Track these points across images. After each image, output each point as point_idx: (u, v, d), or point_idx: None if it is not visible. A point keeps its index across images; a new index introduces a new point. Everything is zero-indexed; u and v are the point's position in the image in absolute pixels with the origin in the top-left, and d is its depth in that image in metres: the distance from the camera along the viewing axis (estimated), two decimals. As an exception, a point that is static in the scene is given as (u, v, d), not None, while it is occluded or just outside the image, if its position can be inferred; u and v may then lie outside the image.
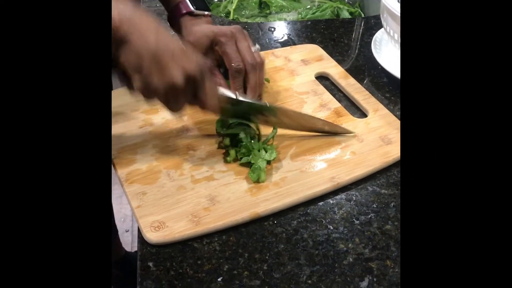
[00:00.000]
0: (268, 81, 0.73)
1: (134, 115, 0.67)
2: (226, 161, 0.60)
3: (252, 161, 0.58)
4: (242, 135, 0.60)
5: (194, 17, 0.68)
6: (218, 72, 0.66)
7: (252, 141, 0.61)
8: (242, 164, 0.60)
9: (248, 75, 0.63)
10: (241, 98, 0.59)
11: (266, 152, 0.59)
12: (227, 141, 0.61)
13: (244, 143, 0.59)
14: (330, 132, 0.66)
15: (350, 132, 0.66)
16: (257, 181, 0.57)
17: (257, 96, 0.65)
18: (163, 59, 0.50)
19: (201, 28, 0.66)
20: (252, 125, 0.62)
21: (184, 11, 0.68)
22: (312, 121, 0.65)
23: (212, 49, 0.65)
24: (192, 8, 0.68)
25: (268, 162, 0.59)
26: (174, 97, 0.53)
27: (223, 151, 0.62)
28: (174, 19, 0.69)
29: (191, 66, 0.52)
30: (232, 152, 0.60)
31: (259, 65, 0.64)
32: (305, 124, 0.65)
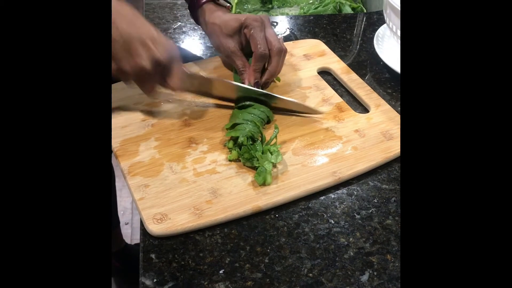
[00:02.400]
0: (278, 80, 0.73)
1: (137, 108, 0.67)
2: (228, 159, 0.60)
3: (258, 164, 0.57)
4: (241, 138, 0.59)
5: (216, 5, 0.72)
6: (241, 54, 0.69)
7: (255, 143, 0.60)
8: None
9: (272, 59, 0.68)
10: (198, 74, 0.67)
11: (271, 154, 0.59)
12: (230, 144, 0.61)
13: (245, 147, 0.59)
14: (300, 112, 0.68)
15: (319, 112, 0.68)
16: (263, 184, 0.57)
17: (269, 81, 0.70)
18: (132, 46, 0.56)
19: (229, 13, 0.71)
20: (256, 127, 0.61)
21: None
22: (283, 102, 0.68)
23: (239, 32, 0.69)
24: None
25: (274, 165, 0.59)
26: (144, 80, 0.59)
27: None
28: (196, 5, 0.73)
29: (159, 52, 0.57)
30: (234, 153, 0.60)
31: (284, 52, 0.69)
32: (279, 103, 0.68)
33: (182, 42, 0.85)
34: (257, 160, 0.58)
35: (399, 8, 0.72)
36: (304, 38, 0.86)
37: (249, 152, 0.58)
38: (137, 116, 0.66)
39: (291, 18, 0.96)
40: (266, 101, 0.67)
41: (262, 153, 0.58)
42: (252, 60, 0.68)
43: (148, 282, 0.48)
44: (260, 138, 0.61)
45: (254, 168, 0.58)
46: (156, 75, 0.59)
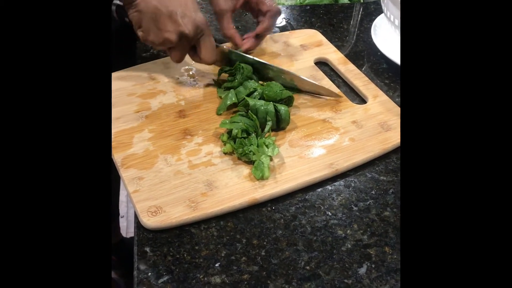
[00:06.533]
0: None
1: (131, 99, 0.66)
2: (222, 151, 0.59)
3: (255, 158, 0.57)
4: (235, 131, 0.58)
5: None
6: (230, 16, 0.72)
7: (250, 136, 0.59)
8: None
9: (268, 19, 0.72)
10: (229, 49, 0.69)
11: (267, 147, 0.58)
12: (224, 137, 0.60)
13: (239, 140, 0.58)
14: (314, 93, 0.70)
15: (337, 95, 0.69)
16: (261, 178, 0.56)
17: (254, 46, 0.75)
18: (160, 19, 0.59)
19: None
20: (251, 120, 0.60)
21: None
22: (300, 81, 0.69)
23: (248, 2, 0.72)
24: None
25: (270, 158, 0.58)
26: (171, 50, 0.64)
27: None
28: None
29: (186, 26, 0.60)
30: (228, 146, 0.59)
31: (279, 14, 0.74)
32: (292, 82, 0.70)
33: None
34: (253, 154, 0.57)
35: (397, -3, 0.70)
36: (301, 28, 0.85)
37: (242, 148, 0.57)
38: (131, 107, 0.65)
39: (287, 8, 0.95)
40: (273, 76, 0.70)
41: (258, 146, 0.57)
42: (267, 20, 0.71)
43: (142, 276, 0.47)
44: (255, 132, 0.60)
45: (250, 161, 0.57)
46: (183, 47, 0.63)
